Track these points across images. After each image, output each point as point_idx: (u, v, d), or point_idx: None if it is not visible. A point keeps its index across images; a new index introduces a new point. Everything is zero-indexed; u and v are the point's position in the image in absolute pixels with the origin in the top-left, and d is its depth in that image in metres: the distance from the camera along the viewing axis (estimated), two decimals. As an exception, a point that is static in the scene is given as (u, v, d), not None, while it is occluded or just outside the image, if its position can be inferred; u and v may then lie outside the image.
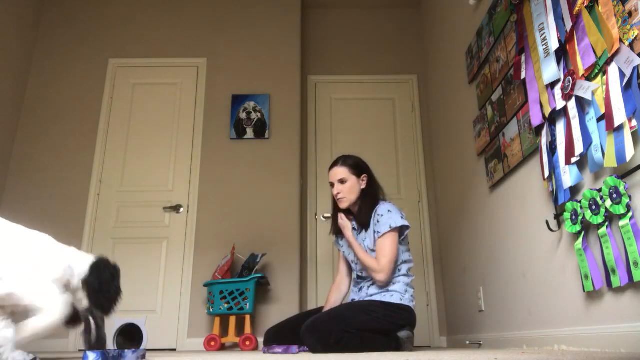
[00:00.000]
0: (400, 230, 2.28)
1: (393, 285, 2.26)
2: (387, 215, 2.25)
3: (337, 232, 2.48)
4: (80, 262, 1.53)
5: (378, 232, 2.25)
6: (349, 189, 2.35)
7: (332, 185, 2.40)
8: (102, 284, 1.50)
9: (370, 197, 2.35)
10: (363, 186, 2.38)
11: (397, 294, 2.23)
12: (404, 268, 2.31)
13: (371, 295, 2.26)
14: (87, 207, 3.65)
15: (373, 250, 2.28)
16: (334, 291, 2.49)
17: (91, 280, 1.49)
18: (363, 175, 2.39)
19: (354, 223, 2.42)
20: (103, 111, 3.89)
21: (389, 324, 2.17)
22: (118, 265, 1.61)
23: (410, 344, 2.26)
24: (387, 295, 2.23)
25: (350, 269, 2.50)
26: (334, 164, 2.42)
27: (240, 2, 4.20)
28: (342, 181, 2.36)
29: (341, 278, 2.50)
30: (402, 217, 2.27)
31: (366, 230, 2.34)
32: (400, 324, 2.21)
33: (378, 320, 2.13)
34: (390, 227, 2.21)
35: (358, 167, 2.39)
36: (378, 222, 2.26)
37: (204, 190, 3.69)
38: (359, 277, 2.39)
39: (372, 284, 2.29)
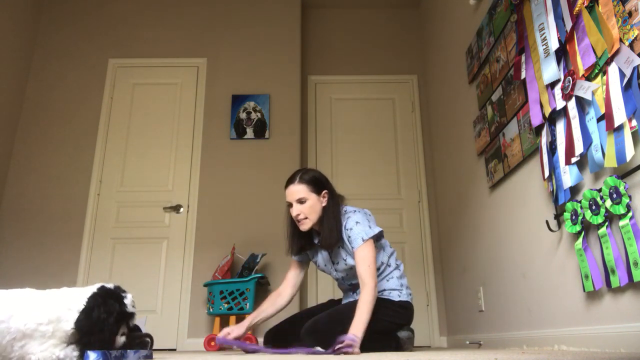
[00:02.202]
0: (376, 237, 2.12)
1: (387, 282, 2.21)
2: (356, 228, 2.08)
3: (300, 250, 2.27)
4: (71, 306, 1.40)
5: (353, 247, 2.09)
6: (310, 208, 2.11)
7: (289, 205, 2.17)
8: (93, 325, 1.34)
9: (334, 215, 2.13)
10: (324, 203, 2.15)
11: (395, 292, 2.19)
12: (392, 262, 2.24)
13: None
14: (87, 207, 3.65)
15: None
16: (270, 299, 2.30)
17: (80, 324, 1.33)
18: (324, 192, 2.16)
19: (320, 249, 2.23)
20: (103, 111, 3.89)
21: (389, 323, 2.15)
22: (121, 293, 1.44)
23: (410, 344, 2.26)
24: (385, 293, 2.20)
25: (296, 280, 2.36)
26: (290, 181, 2.17)
27: (240, 2, 4.20)
28: (300, 201, 2.12)
29: (285, 287, 2.32)
30: (370, 226, 2.10)
31: (342, 247, 2.17)
32: (400, 323, 2.20)
33: (379, 320, 2.09)
34: (363, 240, 2.05)
35: (318, 183, 2.16)
36: (349, 237, 2.09)
37: (204, 190, 3.69)
38: (351, 284, 2.29)
39: None
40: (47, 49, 4.05)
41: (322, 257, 2.28)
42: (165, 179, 3.75)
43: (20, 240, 3.55)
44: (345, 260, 2.18)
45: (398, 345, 2.17)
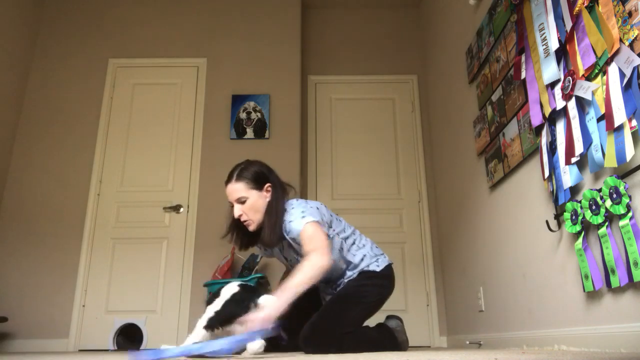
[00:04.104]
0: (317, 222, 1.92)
1: (354, 257, 2.09)
2: (289, 227, 1.92)
3: (245, 245, 2.09)
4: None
5: (293, 239, 1.93)
6: (251, 208, 1.93)
7: (231, 205, 1.99)
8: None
9: (276, 211, 1.94)
10: (268, 198, 1.97)
11: (373, 262, 2.09)
12: (355, 240, 2.12)
13: (349, 277, 2.08)
14: (87, 207, 3.65)
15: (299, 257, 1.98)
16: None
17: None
18: (266, 185, 1.98)
19: (259, 245, 2.08)
20: (103, 111, 3.90)
21: (377, 302, 2.08)
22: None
23: (403, 332, 2.25)
24: (363, 265, 2.08)
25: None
26: (228, 179, 1.98)
27: (240, 2, 4.20)
28: (240, 200, 1.94)
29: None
30: (302, 217, 1.90)
31: (284, 244, 2.03)
32: (385, 296, 2.13)
33: (370, 304, 2.06)
34: (299, 232, 1.88)
35: (258, 177, 1.98)
36: (289, 232, 1.93)
37: (204, 190, 3.69)
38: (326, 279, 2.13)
39: (340, 279, 2.12)
40: (47, 49, 4.05)
41: (273, 251, 2.15)
42: (165, 179, 3.75)
43: (20, 240, 3.55)
44: (297, 258, 2.02)
45: (392, 337, 2.16)
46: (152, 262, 3.54)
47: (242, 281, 3.10)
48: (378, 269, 2.12)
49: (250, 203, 1.94)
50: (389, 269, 2.19)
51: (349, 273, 2.11)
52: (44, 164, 3.75)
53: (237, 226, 2.04)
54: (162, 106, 3.94)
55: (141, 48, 4.07)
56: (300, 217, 1.91)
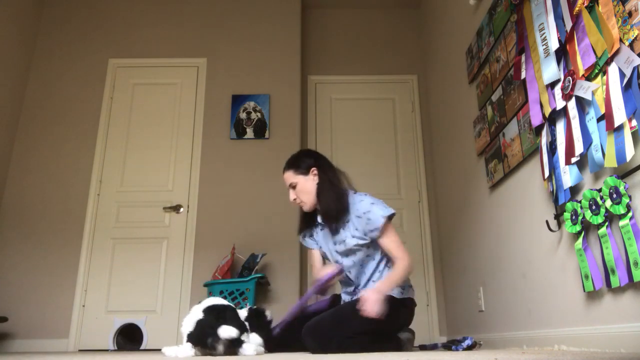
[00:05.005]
0: (390, 219, 2.10)
1: (387, 272, 2.15)
2: (373, 210, 2.07)
3: (304, 228, 2.31)
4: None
5: (372, 230, 2.08)
6: (301, 191, 2.17)
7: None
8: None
9: (330, 190, 2.13)
10: (316, 181, 2.18)
11: (397, 288, 2.12)
12: (389, 259, 2.18)
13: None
14: (87, 207, 3.65)
15: (362, 246, 2.13)
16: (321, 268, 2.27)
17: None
18: (312, 169, 2.19)
19: (320, 224, 2.24)
20: (103, 111, 3.90)
21: (391, 323, 2.10)
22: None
23: (410, 345, 2.25)
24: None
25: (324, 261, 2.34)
26: (284, 168, 2.26)
27: (240, 2, 4.20)
28: (292, 185, 2.19)
29: (318, 271, 2.26)
30: (385, 205, 2.11)
31: (343, 228, 2.15)
32: (401, 322, 2.18)
33: (380, 321, 2.04)
34: (384, 219, 2.05)
35: (302, 163, 2.20)
36: (369, 220, 2.07)
37: (204, 190, 3.69)
38: (349, 279, 2.25)
39: (365, 287, 2.19)
40: (47, 49, 4.05)
41: (324, 237, 2.26)
42: (165, 179, 3.75)
43: (20, 240, 3.55)
44: (344, 241, 2.14)
45: (398, 347, 2.16)
46: (152, 262, 3.54)
47: (242, 281, 3.11)
48: (398, 296, 2.13)
49: (300, 187, 2.18)
50: (410, 301, 2.20)
51: (371, 285, 2.16)
52: (44, 164, 3.75)
53: (302, 212, 2.28)
54: (162, 106, 3.94)
55: (141, 48, 4.07)
56: (384, 207, 2.09)
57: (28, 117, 3.87)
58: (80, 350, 3.32)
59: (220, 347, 1.63)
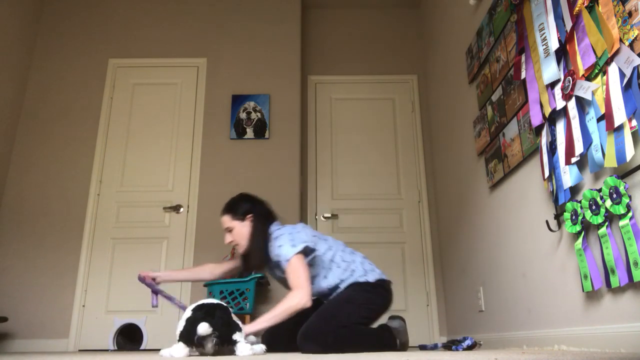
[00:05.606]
0: (304, 252, 2.15)
1: (343, 273, 2.23)
2: (281, 253, 2.14)
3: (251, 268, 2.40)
4: None
5: (279, 262, 2.17)
6: (237, 235, 2.26)
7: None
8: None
9: (257, 238, 2.23)
10: (250, 227, 2.27)
11: (359, 277, 2.22)
12: (342, 257, 2.27)
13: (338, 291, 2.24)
14: (87, 207, 3.65)
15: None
16: (207, 269, 2.45)
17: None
18: (248, 216, 2.26)
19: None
20: (103, 111, 3.90)
21: (371, 307, 2.18)
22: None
23: (405, 333, 2.28)
24: (352, 279, 2.22)
25: (228, 269, 2.48)
26: (221, 212, 2.34)
27: (240, 2, 4.20)
28: (228, 229, 2.28)
29: (217, 268, 2.45)
30: (293, 245, 2.12)
31: (274, 265, 2.25)
32: (382, 303, 2.23)
33: (361, 306, 2.15)
34: (288, 261, 2.11)
35: (239, 208, 2.28)
36: (279, 261, 2.17)
37: (204, 190, 3.69)
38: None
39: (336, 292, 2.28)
40: (47, 49, 4.05)
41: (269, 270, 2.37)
42: (165, 179, 3.75)
43: (20, 240, 3.55)
44: (281, 276, 2.26)
45: (392, 336, 2.19)
46: (152, 262, 3.54)
47: (241, 281, 3.11)
48: (366, 280, 2.22)
49: (236, 232, 2.26)
50: (380, 281, 2.25)
51: (338, 288, 2.24)
52: (44, 163, 3.75)
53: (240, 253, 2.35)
54: (162, 106, 3.94)
55: (141, 48, 4.07)
56: (290, 245, 2.13)
57: (28, 117, 3.87)
58: (80, 350, 3.32)
59: (209, 345, 1.64)
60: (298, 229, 2.23)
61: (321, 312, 2.14)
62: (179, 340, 1.70)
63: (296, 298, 2.03)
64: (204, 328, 1.62)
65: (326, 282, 2.24)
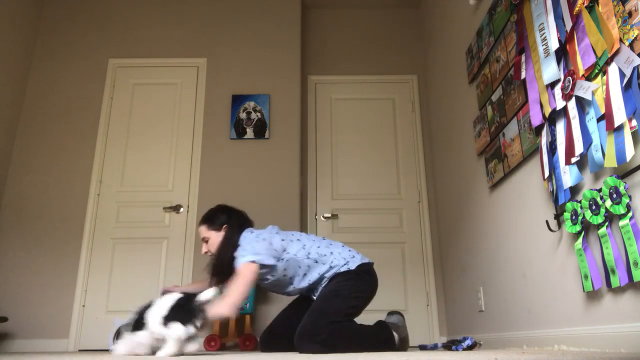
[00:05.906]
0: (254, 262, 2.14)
1: (323, 266, 2.24)
2: (239, 261, 2.16)
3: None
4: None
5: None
6: (212, 245, 2.32)
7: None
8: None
9: (227, 248, 2.25)
10: (222, 238, 2.32)
11: (340, 267, 2.23)
12: (318, 252, 2.27)
13: (323, 285, 2.25)
14: (87, 207, 3.65)
15: (261, 278, 2.27)
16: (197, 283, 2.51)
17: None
18: (223, 227, 2.31)
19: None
20: (103, 111, 3.90)
21: (357, 296, 2.19)
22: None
23: (404, 328, 2.29)
24: (333, 270, 2.23)
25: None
26: (199, 222, 2.41)
27: (240, 2, 4.20)
28: (204, 239, 2.34)
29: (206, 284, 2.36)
30: (242, 255, 2.14)
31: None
32: (367, 291, 2.24)
33: (349, 296, 2.16)
34: (241, 265, 2.12)
35: (216, 219, 2.33)
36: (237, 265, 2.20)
37: (204, 190, 3.69)
38: (292, 289, 2.32)
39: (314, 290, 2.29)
40: (47, 49, 4.05)
41: None
42: (165, 179, 3.75)
43: (20, 240, 3.55)
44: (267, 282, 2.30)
45: (389, 332, 2.19)
46: (152, 262, 3.54)
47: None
48: (348, 269, 2.23)
49: (211, 242, 2.32)
50: (362, 266, 2.27)
51: (323, 283, 2.26)
52: (44, 163, 3.75)
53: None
54: (162, 106, 3.94)
55: (141, 48, 4.07)
56: (241, 256, 2.15)
57: (28, 117, 3.87)
58: (80, 350, 3.32)
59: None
60: (264, 236, 2.23)
61: (312, 311, 2.15)
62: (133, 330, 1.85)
63: (220, 308, 1.94)
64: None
65: (306, 281, 2.25)
